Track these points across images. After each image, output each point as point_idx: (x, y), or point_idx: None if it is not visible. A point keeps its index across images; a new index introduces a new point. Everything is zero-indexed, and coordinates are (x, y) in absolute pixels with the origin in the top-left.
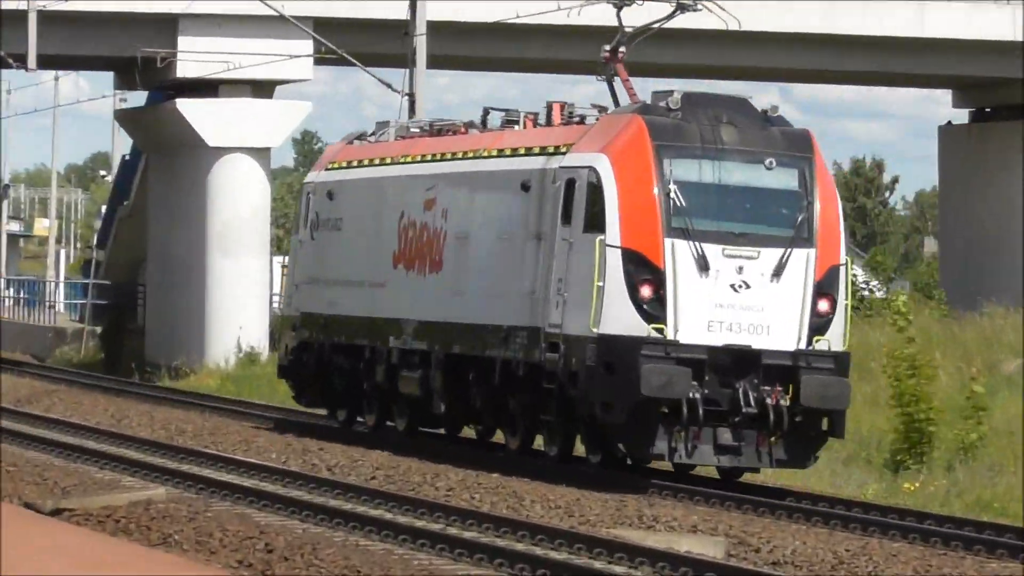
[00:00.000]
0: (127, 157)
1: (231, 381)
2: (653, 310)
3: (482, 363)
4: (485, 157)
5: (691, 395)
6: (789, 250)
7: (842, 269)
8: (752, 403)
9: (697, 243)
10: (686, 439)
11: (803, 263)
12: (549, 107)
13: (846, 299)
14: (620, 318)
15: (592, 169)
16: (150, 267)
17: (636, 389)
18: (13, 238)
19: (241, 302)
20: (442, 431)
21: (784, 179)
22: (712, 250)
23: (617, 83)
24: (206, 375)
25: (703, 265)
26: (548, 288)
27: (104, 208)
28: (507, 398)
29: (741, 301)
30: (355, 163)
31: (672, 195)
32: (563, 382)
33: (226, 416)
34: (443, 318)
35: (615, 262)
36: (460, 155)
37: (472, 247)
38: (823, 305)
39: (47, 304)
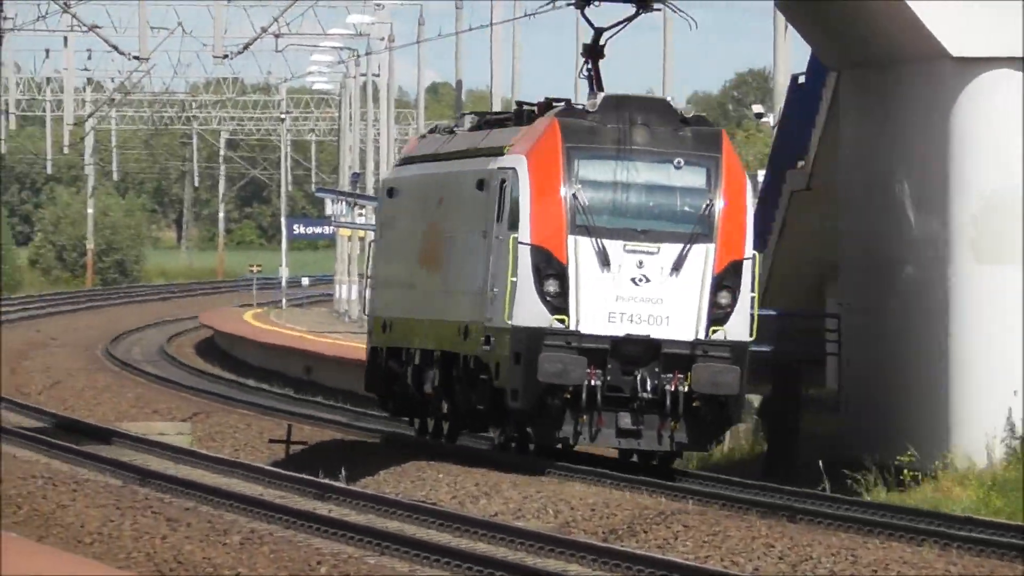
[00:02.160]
0: (800, 80)
1: (997, 493)
2: (557, 303)
3: (457, 360)
4: (463, 157)
5: (590, 382)
6: (688, 245)
7: (746, 263)
8: (650, 389)
9: (599, 240)
10: (589, 424)
11: (702, 258)
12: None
13: (752, 292)
14: (528, 311)
15: (514, 170)
16: (845, 282)
17: (536, 376)
18: None
19: (1015, 346)
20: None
21: (690, 178)
22: (613, 246)
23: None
24: (951, 482)
25: (604, 260)
26: (487, 284)
27: (763, 175)
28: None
29: (641, 294)
30: (411, 160)
31: (578, 195)
32: (491, 373)
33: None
34: (439, 317)
35: (525, 258)
36: (456, 155)
37: (454, 247)
38: (722, 297)
39: None
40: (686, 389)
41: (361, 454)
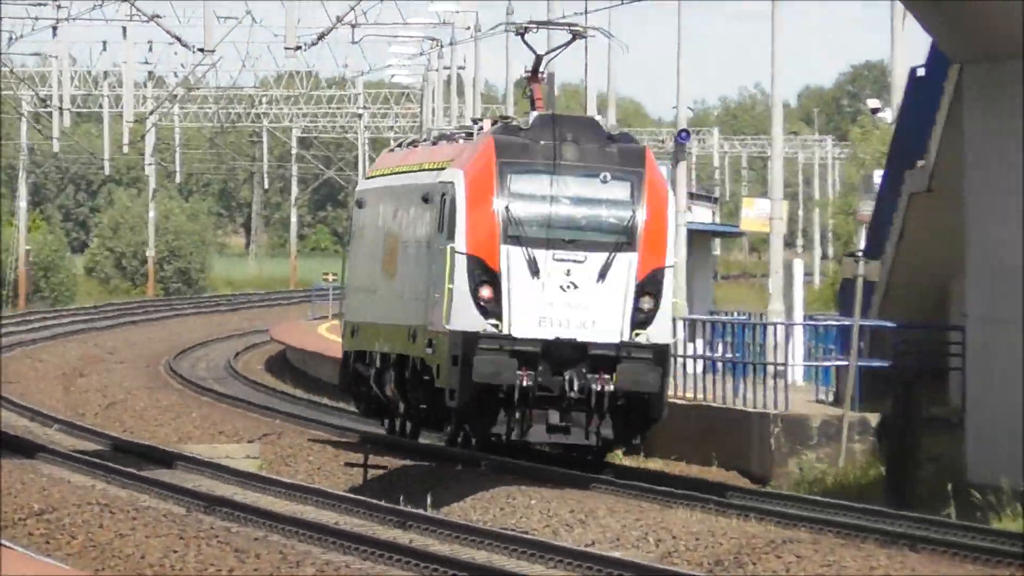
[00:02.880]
0: (920, 73)
1: None
2: (491, 308)
3: (407, 362)
4: (414, 171)
5: (522, 382)
6: (613, 254)
7: (667, 271)
8: (577, 388)
9: (529, 249)
10: (521, 421)
11: (626, 266)
12: (473, 123)
13: (674, 298)
14: (464, 316)
15: (452, 184)
16: (971, 291)
17: (471, 376)
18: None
19: None
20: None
21: (615, 191)
22: (543, 255)
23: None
24: None
25: (534, 269)
26: (430, 290)
27: (879, 175)
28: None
29: (570, 300)
30: (377, 174)
31: (510, 207)
32: (433, 374)
33: None
34: (393, 321)
35: (461, 267)
36: (412, 169)
37: (405, 255)
38: (645, 303)
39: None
40: (611, 388)
41: (446, 479)
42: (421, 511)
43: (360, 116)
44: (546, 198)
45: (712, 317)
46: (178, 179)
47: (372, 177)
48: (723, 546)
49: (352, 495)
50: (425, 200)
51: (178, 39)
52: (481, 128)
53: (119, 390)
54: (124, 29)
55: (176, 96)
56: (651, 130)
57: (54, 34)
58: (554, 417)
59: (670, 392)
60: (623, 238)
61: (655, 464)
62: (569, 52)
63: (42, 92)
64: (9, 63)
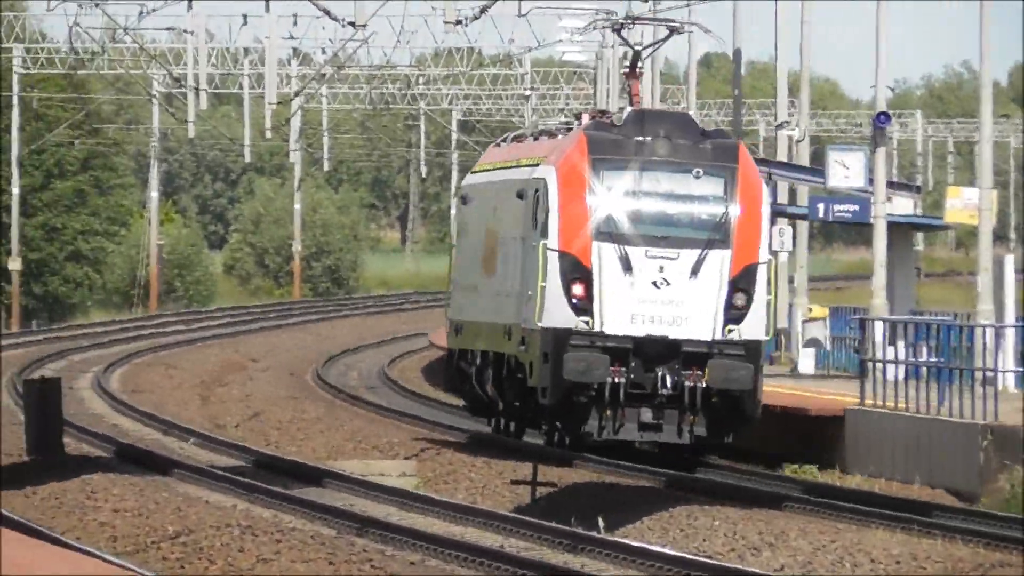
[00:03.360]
0: None
1: None
2: (583, 305)
3: (504, 360)
4: (512, 167)
5: (613, 379)
6: (706, 251)
7: (760, 267)
8: (669, 386)
9: (621, 246)
10: (613, 418)
11: (719, 262)
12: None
13: (768, 294)
14: (557, 313)
15: (544, 181)
16: None
17: (562, 374)
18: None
19: None
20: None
21: (708, 187)
22: (635, 252)
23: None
24: None
25: (626, 265)
26: (524, 287)
27: None
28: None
29: (662, 296)
30: (481, 169)
31: (602, 204)
32: (526, 372)
33: None
34: (491, 319)
35: (554, 264)
36: (511, 164)
37: (502, 252)
38: (738, 299)
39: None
40: (703, 385)
41: (622, 498)
42: (594, 533)
43: (527, 97)
44: (638, 194)
45: (914, 318)
46: (326, 167)
47: (477, 172)
48: (927, 571)
49: (518, 515)
50: (520, 196)
51: (326, 12)
52: (580, 123)
53: (262, 401)
54: (267, 3)
55: (324, 75)
56: (847, 113)
57: (189, 7)
58: (646, 415)
59: (869, 400)
60: (716, 234)
61: (852, 480)
62: (758, 28)
63: (176, 71)
64: (139, 39)
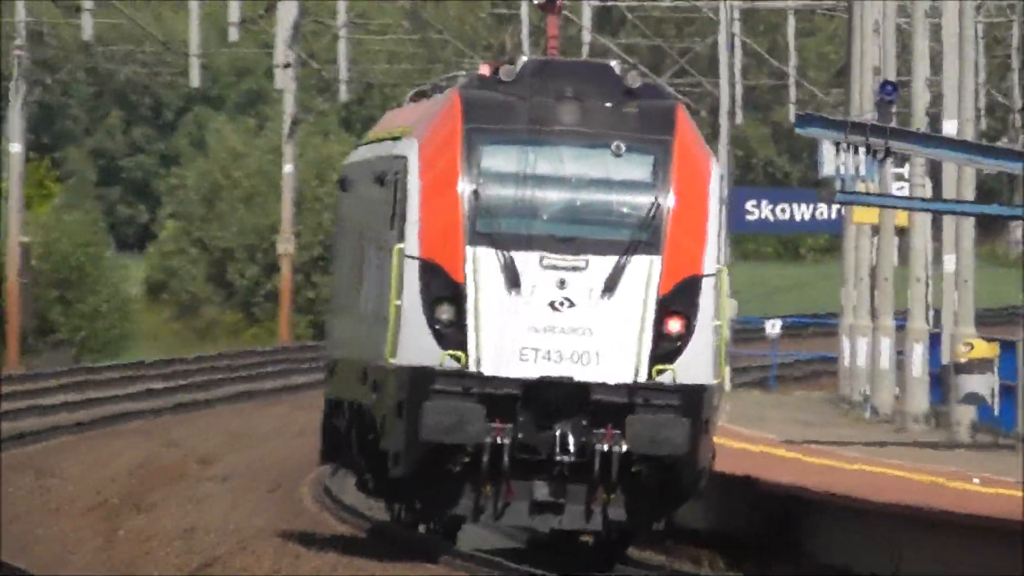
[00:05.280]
0: None
1: None
2: (451, 335)
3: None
4: (385, 141)
5: (494, 440)
6: (627, 258)
7: (705, 282)
8: (574, 449)
9: (506, 251)
10: (495, 496)
11: (645, 274)
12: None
13: (717, 318)
14: (414, 345)
15: (404, 161)
16: None
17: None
18: None
19: None
20: None
21: (632, 169)
22: (526, 260)
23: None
24: None
25: (514, 279)
26: (379, 310)
27: None
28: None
29: (563, 323)
30: (369, 141)
31: (480, 192)
32: (378, 430)
33: None
34: (349, 355)
35: (412, 276)
36: (384, 136)
37: (365, 261)
38: (673, 326)
39: None
40: (622, 449)
41: None
42: None
43: None
44: (532, 179)
45: None
46: (343, 95)
47: (363, 145)
48: None
49: None
50: (380, 183)
51: None
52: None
53: (219, 539)
54: None
55: None
56: None
57: None
58: (541, 491)
59: None
60: (641, 234)
61: None
62: None
63: None
64: None
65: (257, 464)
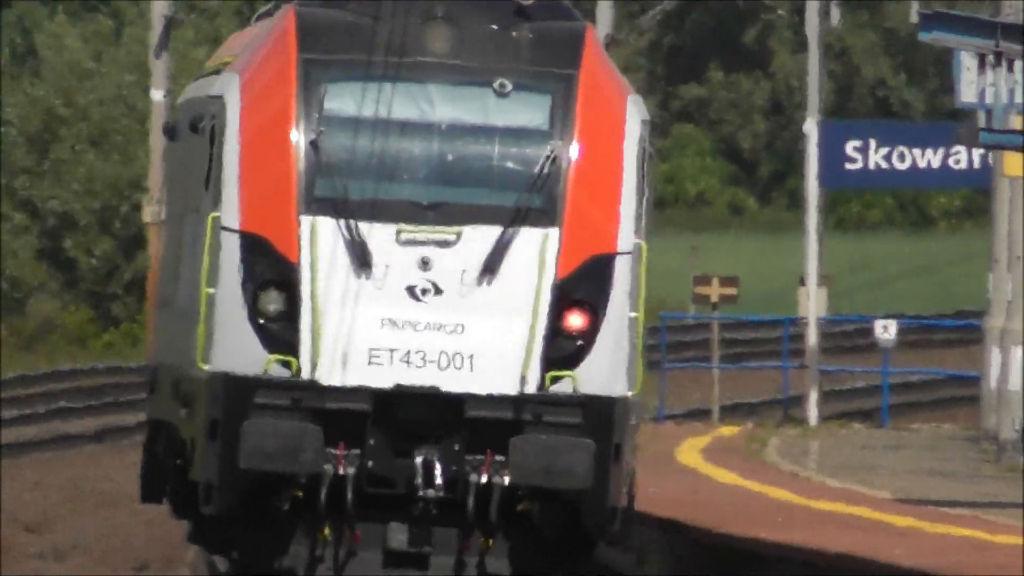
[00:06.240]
0: None
1: None
2: (280, 332)
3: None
4: (209, 75)
5: (335, 470)
6: (512, 230)
7: (619, 261)
8: (442, 481)
9: (352, 221)
10: (336, 542)
11: (536, 251)
12: None
13: (634, 310)
14: (233, 348)
15: (222, 102)
16: None
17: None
18: None
19: None
20: None
21: (522, 112)
22: (380, 233)
23: None
24: None
25: (361, 258)
26: (190, 300)
27: None
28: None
29: (427, 316)
30: (207, 72)
31: (320, 144)
32: (186, 457)
33: None
34: (162, 361)
35: (231, 254)
36: (210, 69)
37: (180, 236)
38: (574, 320)
39: None
40: (505, 481)
41: None
42: None
43: None
44: (387, 126)
45: None
46: None
47: (201, 79)
48: None
49: None
50: (194, 130)
51: None
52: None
53: None
54: None
55: None
56: None
57: None
58: (398, 537)
59: None
60: (533, 200)
61: None
62: None
63: None
64: None
65: (114, 533)
